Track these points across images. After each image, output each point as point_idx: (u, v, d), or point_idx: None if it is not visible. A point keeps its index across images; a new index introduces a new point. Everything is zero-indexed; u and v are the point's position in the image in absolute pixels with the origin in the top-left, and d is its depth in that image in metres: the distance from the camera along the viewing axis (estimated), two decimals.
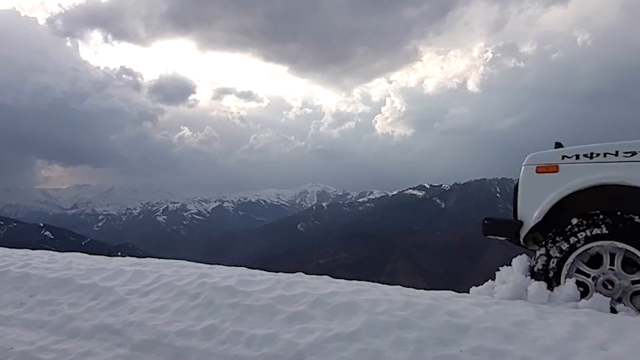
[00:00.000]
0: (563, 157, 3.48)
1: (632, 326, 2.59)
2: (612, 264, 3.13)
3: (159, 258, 4.84)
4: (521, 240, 3.51)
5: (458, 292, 3.41)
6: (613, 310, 2.98)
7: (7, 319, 3.33)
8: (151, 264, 4.29)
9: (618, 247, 3.10)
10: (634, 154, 3.24)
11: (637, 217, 3.08)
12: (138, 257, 4.95)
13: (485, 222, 3.69)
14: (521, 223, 3.48)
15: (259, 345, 2.62)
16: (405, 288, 3.63)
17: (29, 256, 4.51)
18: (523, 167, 3.60)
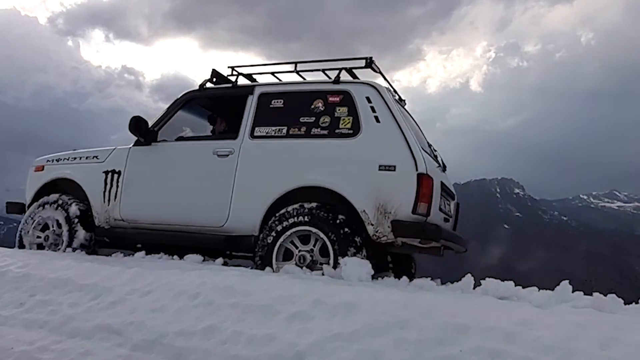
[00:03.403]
0: (48, 160, 5.42)
1: (632, 326, 2.60)
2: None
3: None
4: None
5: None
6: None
7: (7, 319, 3.34)
8: (151, 264, 4.29)
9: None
10: (75, 158, 5.24)
11: None
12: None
13: (7, 203, 5.61)
14: (24, 204, 5.45)
15: (259, 345, 2.62)
16: (405, 287, 3.63)
17: (29, 256, 4.51)
18: (30, 167, 5.50)
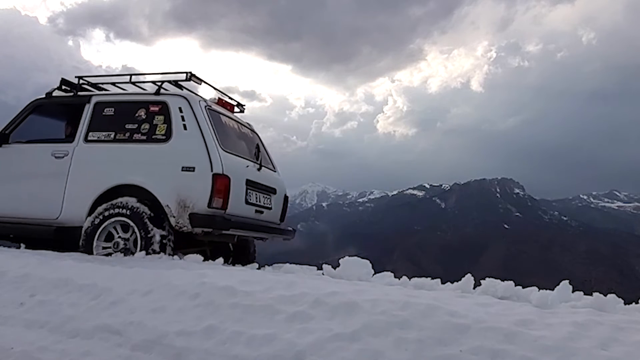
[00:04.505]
0: None
1: (632, 326, 2.60)
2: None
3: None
4: None
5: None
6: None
7: (7, 319, 3.33)
8: (151, 264, 4.29)
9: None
10: None
11: None
12: None
13: None
14: None
15: (259, 345, 2.62)
16: (405, 287, 3.63)
17: (29, 256, 4.51)
18: None
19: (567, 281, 3.37)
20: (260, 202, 5.32)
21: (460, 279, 3.77)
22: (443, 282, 4.23)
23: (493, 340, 2.43)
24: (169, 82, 5.21)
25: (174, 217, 4.64)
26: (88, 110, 5.23)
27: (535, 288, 3.52)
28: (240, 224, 4.93)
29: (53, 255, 4.67)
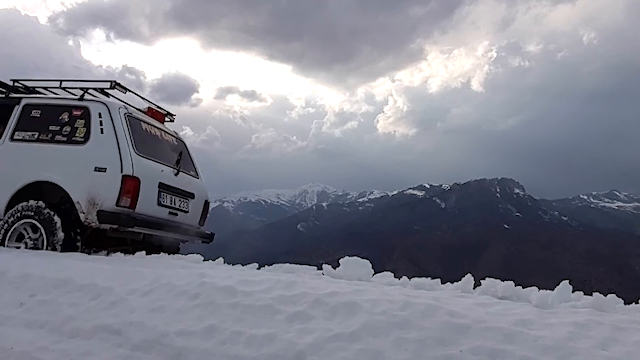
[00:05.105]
0: None
1: (632, 326, 2.60)
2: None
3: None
4: None
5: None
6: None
7: (7, 319, 3.33)
8: (151, 264, 4.30)
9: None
10: None
11: None
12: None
13: None
14: None
15: (259, 345, 2.62)
16: (405, 287, 3.63)
17: (29, 256, 4.51)
18: None
19: (567, 281, 3.37)
20: (175, 204, 5.71)
21: (460, 279, 3.76)
22: (443, 282, 4.23)
23: (493, 340, 2.43)
24: (95, 89, 5.66)
25: (83, 213, 5.02)
26: (17, 111, 5.61)
27: (535, 288, 3.52)
28: (146, 222, 5.25)
29: (53, 255, 4.68)
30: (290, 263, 5.18)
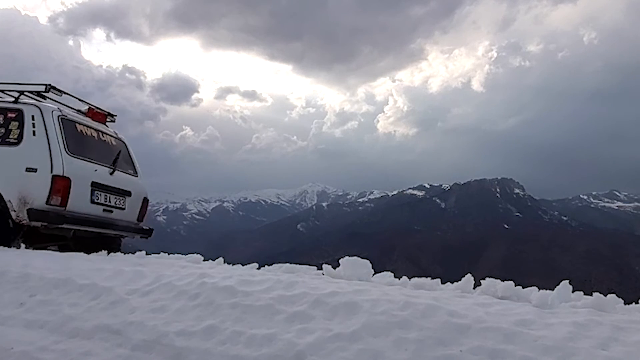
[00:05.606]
0: None
1: (632, 326, 2.60)
2: None
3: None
4: None
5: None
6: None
7: (7, 319, 3.33)
8: (151, 264, 4.30)
9: None
10: None
11: None
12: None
13: None
14: None
15: (259, 345, 2.62)
16: (405, 287, 3.63)
17: (29, 256, 4.51)
18: None
19: (567, 281, 3.37)
20: (110, 202, 5.97)
21: (460, 279, 3.76)
22: (443, 282, 4.23)
23: (493, 340, 2.43)
24: (30, 92, 5.81)
25: (14, 211, 5.31)
26: None
27: (535, 288, 3.52)
28: (77, 220, 5.52)
29: (53, 255, 4.68)
30: (290, 263, 5.17)
